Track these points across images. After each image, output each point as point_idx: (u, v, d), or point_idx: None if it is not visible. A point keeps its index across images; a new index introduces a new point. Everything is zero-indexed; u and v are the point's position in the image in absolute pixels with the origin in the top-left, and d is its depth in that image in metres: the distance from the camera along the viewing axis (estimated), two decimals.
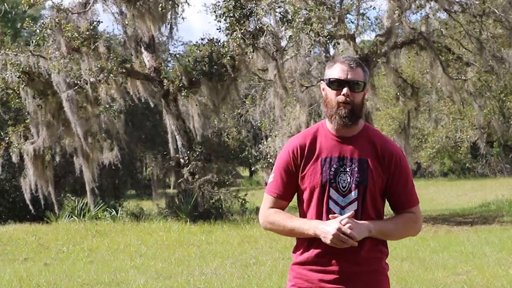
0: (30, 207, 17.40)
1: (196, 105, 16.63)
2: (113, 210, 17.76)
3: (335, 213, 2.95)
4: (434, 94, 19.48)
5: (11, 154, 17.27)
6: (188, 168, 16.37)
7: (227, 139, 19.98)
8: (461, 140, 30.32)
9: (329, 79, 3.01)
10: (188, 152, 16.49)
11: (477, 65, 16.77)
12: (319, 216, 2.98)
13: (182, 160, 16.62)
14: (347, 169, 2.98)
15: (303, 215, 3.06)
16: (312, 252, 3.00)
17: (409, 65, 20.89)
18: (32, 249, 12.30)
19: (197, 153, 16.40)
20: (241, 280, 8.40)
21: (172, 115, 16.74)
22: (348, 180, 2.97)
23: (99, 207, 17.44)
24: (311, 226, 2.94)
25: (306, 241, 3.02)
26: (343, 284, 2.96)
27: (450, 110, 26.87)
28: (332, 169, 2.97)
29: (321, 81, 3.14)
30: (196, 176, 16.27)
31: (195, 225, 15.09)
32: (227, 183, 17.26)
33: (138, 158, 24.57)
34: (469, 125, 28.17)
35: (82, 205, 17.63)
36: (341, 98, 2.96)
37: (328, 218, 2.95)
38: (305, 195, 3.02)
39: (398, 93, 17.93)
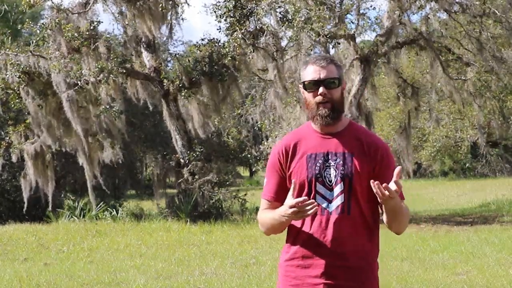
0: (26, 207, 17.37)
1: (198, 104, 16.64)
2: (113, 210, 17.77)
3: (323, 207, 2.98)
4: (434, 94, 19.49)
5: (11, 154, 17.27)
6: (188, 168, 16.37)
7: (227, 139, 19.98)
8: (461, 140, 30.35)
9: (304, 82, 3.06)
10: (188, 152, 16.50)
11: (477, 65, 16.78)
12: None
13: (182, 160, 16.63)
14: (332, 163, 3.00)
15: None
16: (299, 248, 3.03)
17: (409, 65, 20.91)
18: (32, 249, 12.30)
19: (197, 153, 16.40)
20: (241, 280, 8.40)
21: (172, 115, 16.74)
22: (334, 173, 2.99)
23: (99, 207, 17.44)
24: (279, 213, 2.95)
25: (292, 238, 3.06)
26: (330, 280, 2.97)
27: (451, 110, 26.89)
28: (318, 164, 3.01)
29: (299, 85, 3.16)
30: (196, 176, 16.27)
31: (195, 225, 15.09)
32: (227, 183, 17.25)
33: (138, 158, 24.57)
34: (469, 125, 28.19)
35: (82, 205, 17.65)
36: (318, 98, 3.01)
37: (315, 214, 2.98)
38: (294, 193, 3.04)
39: (398, 93, 17.95)
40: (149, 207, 20.35)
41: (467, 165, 34.99)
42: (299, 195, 3.02)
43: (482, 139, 25.29)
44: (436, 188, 29.75)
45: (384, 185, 2.79)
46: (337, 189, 2.98)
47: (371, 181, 2.82)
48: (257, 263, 9.82)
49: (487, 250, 10.30)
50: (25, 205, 17.42)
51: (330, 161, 3.01)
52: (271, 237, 12.25)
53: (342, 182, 2.98)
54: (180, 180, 16.56)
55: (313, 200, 2.86)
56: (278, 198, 3.08)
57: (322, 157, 3.02)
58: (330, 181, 2.99)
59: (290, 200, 2.89)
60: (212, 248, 11.67)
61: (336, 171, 2.99)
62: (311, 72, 3.03)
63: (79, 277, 8.91)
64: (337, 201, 2.97)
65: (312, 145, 3.05)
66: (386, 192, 2.80)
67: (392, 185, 2.82)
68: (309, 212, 2.84)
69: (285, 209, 2.90)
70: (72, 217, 17.09)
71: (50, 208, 17.49)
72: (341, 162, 3.00)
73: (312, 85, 3.02)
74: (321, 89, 3.00)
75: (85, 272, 9.33)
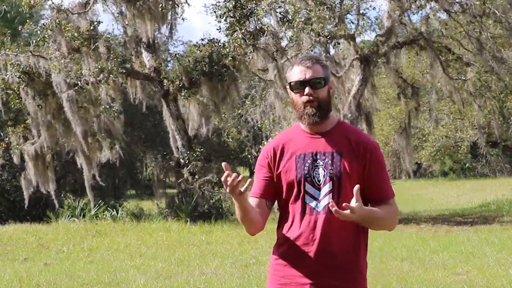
0: (26, 207, 17.37)
1: (198, 104, 16.64)
2: (113, 210, 17.77)
3: (311, 207, 2.99)
4: (434, 94, 19.50)
5: (12, 154, 17.26)
6: (188, 168, 16.38)
7: (227, 139, 19.98)
8: (461, 140, 30.36)
9: (290, 83, 3.08)
10: (188, 152, 16.50)
11: (477, 65, 16.78)
12: (296, 211, 3.03)
13: (182, 160, 16.63)
14: (321, 163, 3.02)
15: (281, 212, 3.11)
16: (287, 247, 3.04)
17: (409, 65, 20.93)
18: (32, 249, 12.30)
19: (197, 153, 16.41)
20: (241, 280, 8.40)
21: (172, 115, 16.75)
22: (322, 173, 3.01)
23: (99, 207, 17.44)
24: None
25: (282, 237, 3.07)
26: (317, 279, 2.98)
27: (450, 110, 26.90)
28: (307, 165, 3.02)
29: (286, 86, 3.18)
30: (196, 176, 16.28)
31: (195, 225, 15.09)
32: None
33: (138, 158, 24.59)
34: (469, 125, 28.20)
35: (82, 205, 17.65)
36: (305, 98, 3.02)
37: (303, 213, 3.00)
38: (283, 193, 3.07)
39: (398, 93, 17.96)
40: (149, 207, 20.35)
41: (467, 165, 35.01)
42: (288, 194, 3.05)
43: (482, 139, 25.29)
44: (436, 188, 29.78)
45: (344, 204, 2.81)
46: (325, 188, 3.00)
47: (330, 204, 2.83)
48: (257, 263, 9.82)
49: (487, 250, 10.30)
50: (26, 206, 17.42)
51: (318, 160, 3.02)
52: (272, 238, 12.24)
53: (330, 182, 2.99)
54: (180, 180, 16.57)
55: (236, 174, 2.85)
56: (265, 195, 3.09)
57: (311, 157, 3.03)
58: (319, 181, 3.00)
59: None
60: (212, 248, 11.67)
61: (324, 171, 3.00)
62: (297, 73, 3.05)
63: (79, 277, 8.91)
64: (325, 201, 2.98)
65: (301, 145, 3.06)
66: (343, 213, 2.82)
67: (353, 202, 2.85)
68: (241, 189, 2.84)
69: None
70: (72, 217, 17.09)
71: (55, 208, 17.49)
72: (330, 161, 3.01)
73: (298, 86, 3.04)
74: (307, 89, 3.01)
75: (85, 272, 9.33)
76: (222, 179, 2.86)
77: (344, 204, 2.82)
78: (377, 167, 3.05)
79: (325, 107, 3.04)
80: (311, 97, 3.01)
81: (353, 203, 2.84)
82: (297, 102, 3.05)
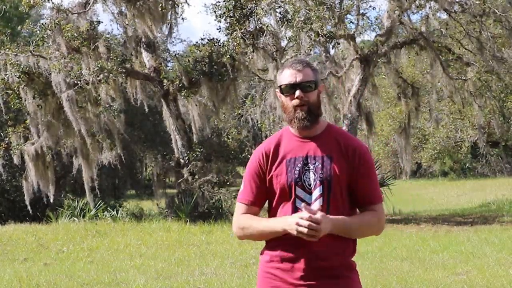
0: (29, 208, 17.34)
1: (196, 105, 16.64)
2: (113, 210, 17.75)
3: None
4: (435, 94, 19.51)
5: (12, 155, 17.24)
6: (188, 168, 16.38)
7: (227, 139, 19.97)
8: (461, 140, 30.36)
9: (280, 86, 3.08)
10: (188, 152, 16.50)
11: (477, 65, 16.79)
12: (286, 215, 3.02)
13: (182, 160, 16.62)
14: (311, 167, 3.02)
15: (271, 215, 3.11)
16: (279, 251, 3.04)
17: (409, 65, 20.91)
18: (32, 249, 12.30)
19: (197, 153, 16.40)
20: (241, 280, 8.40)
21: (172, 115, 16.74)
22: (313, 177, 3.01)
23: (99, 207, 17.42)
24: (279, 221, 2.98)
25: (272, 240, 3.06)
26: (309, 281, 2.99)
27: (451, 110, 26.91)
28: (297, 169, 3.02)
29: (276, 89, 3.17)
30: (196, 176, 16.27)
31: (195, 225, 15.09)
32: (227, 183, 17.25)
33: (138, 158, 24.56)
34: (470, 125, 28.20)
35: (82, 205, 17.63)
36: (295, 101, 3.02)
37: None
38: (274, 197, 3.07)
39: (398, 93, 17.96)
40: (149, 207, 20.33)
41: (467, 165, 35.01)
42: (279, 198, 3.05)
43: (482, 139, 25.29)
44: (436, 188, 29.79)
45: (309, 215, 2.85)
46: (316, 192, 3.00)
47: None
48: (257, 263, 9.76)
49: (487, 250, 10.30)
50: (28, 207, 17.38)
51: (309, 164, 3.03)
52: None
53: (321, 186, 3.00)
54: (180, 180, 16.56)
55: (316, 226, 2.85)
56: (255, 203, 3.10)
57: (301, 161, 3.03)
58: (309, 185, 3.01)
59: (298, 215, 2.89)
60: (212, 248, 11.67)
61: (315, 175, 3.01)
62: (287, 76, 3.05)
63: (79, 277, 8.91)
64: (316, 205, 2.99)
65: (291, 149, 3.06)
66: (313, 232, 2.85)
67: (318, 214, 2.87)
68: (306, 233, 2.84)
69: (291, 221, 2.89)
70: (72, 217, 17.08)
71: (55, 208, 17.45)
72: (320, 165, 3.01)
73: (289, 89, 3.04)
74: (297, 93, 3.02)
75: (85, 272, 9.33)
76: (305, 219, 2.85)
77: (309, 215, 2.83)
78: (366, 171, 3.06)
79: (315, 111, 3.04)
80: (301, 101, 3.01)
81: (318, 215, 2.86)
82: (287, 105, 3.05)
